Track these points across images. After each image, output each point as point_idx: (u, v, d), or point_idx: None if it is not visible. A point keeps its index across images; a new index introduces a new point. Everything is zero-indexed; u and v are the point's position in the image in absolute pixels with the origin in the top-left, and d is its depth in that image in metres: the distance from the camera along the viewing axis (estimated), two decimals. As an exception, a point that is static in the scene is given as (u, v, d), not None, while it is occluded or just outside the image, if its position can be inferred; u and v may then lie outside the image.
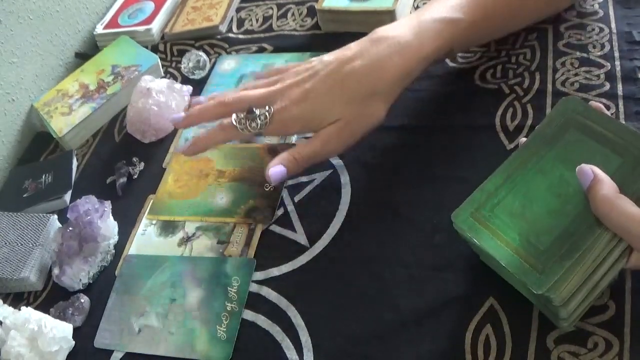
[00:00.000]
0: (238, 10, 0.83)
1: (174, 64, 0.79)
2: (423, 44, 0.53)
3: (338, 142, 0.53)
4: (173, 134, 0.69)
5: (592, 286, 0.39)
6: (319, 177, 0.58)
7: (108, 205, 0.60)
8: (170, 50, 0.80)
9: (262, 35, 0.77)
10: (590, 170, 0.40)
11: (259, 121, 0.53)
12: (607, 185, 0.39)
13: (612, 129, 0.42)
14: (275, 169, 0.51)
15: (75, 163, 0.70)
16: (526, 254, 0.40)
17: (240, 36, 0.78)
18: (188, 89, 0.72)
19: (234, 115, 0.54)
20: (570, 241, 0.39)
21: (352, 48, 0.54)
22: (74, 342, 0.53)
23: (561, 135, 0.44)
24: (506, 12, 0.57)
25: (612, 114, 0.52)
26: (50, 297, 0.58)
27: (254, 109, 0.53)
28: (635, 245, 0.38)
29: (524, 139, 0.46)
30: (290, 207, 0.57)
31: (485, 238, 0.42)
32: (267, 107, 0.53)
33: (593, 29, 0.60)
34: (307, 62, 0.56)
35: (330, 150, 0.54)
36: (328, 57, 0.55)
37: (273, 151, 0.62)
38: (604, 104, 0.53)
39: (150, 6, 0.86)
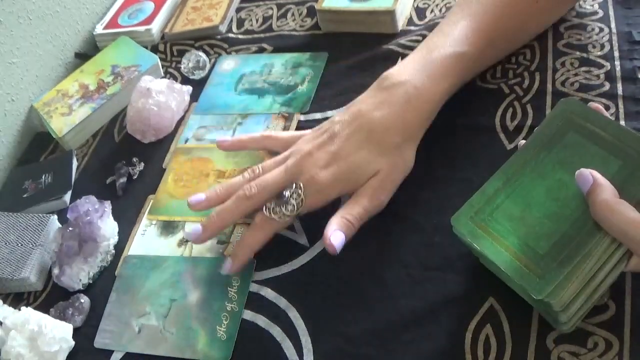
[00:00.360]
0: (238, 10, 0.83)
1: (174, 64, 0.79)
2: (438, 84, 0.52)
3: (384, 193, 0.50)
4: (173, 134, 0.69)
5: (591, 290, 0.39)
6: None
7: (108, 205, 0.60)
8: (170, 50, 0.80)
9: (262, 35, 0.77)
10: (589, 174, 0.39)
11: (293, 201, 0.49)
12: (606, 189, 0.38)
13: (612, 131, 0.42)
14: (337, 237, 0.47)
15: (75, 163, 0.70)
16: (526, 259, 0.40)
17: (240, 36, 0.78)
18: (188, 89, 0.72)
19: (264, 209, 0.50)
20: (569, 246, 0.39)
21: (365, 101, 0.53)
22: (74, 342, 0.53)
23: (560, 137, 0.44)
24: (510, 35, 0.58)
25: (612, 114, 0.52)
26: (50, 297, 0.58)
27: (283, 192, 0.49)
28: (635, 250, 0.38)
29: (523, 141, 0.46)
30: (290, 207, 0.57)
31: (485, 243, 0.42)
32: (294, 185, 0.49)
33: (593, 29, 0.60)
34: (316, 128, 0.54)
35: (379, 204, 0.50)
36: (340, 116, 0.53)
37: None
38: (604, 104, 0.53)
39: (150, 6, 0.86)
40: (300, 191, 0.49)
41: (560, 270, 0.38)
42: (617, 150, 0.41)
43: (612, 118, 0.50)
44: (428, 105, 0.52)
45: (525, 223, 0.42)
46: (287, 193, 0.49)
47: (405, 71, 0.53)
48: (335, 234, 0.47)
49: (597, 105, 0.44)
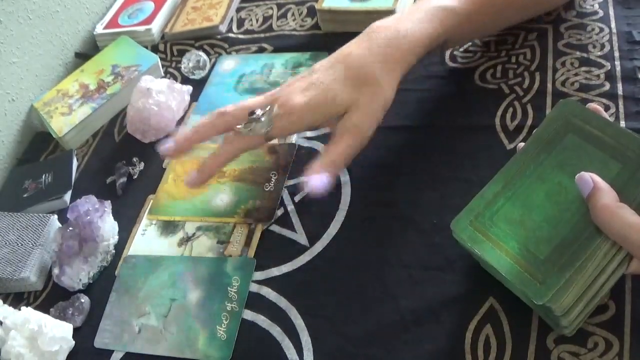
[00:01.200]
0: (238, 10, 0.83)
1: (174, 64, 0.79)
2: (421, 28, 0.53)
3: (365, 125, 0.50)
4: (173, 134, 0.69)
5: (592, 294, 0.39)
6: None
7: (108, 205, 0.60)
8: (170, 50, 0.80)
9: (262, 35, 0.77)
10: (589, 178, 0.39)
11: (263, 119, 0.50)
12: (607, 193, 0.38)
13: (611, 133, 0.42)
14: (316, 179, 0.47)
15: (75, 163, 0.70)
16: (526, 264, 0.40)
17: (240, 36, 0.78)
18: (188, 88, 0.72)
19: (237, 126, 0.51)
20: (570, 250, 0.39)
21: (349, 44, 0.54)
22: (74, 342, 0.53)
23: (559, 140, 0.43)
24: (498, 4, 0.57)
25: (612, 114, 0.52)
26: (50, 297, 0.58)
27: (256, 111, 0.51)
28: (636, 254, 0.38)
29: (522, 144, 0.46)
30: (290, 207, 0.57)
31: (485, 247, 0.42)
32: (268, 106, 0.51)
33: (593, 29, 0.60)
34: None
35: (361, 138, 0.50)
36: (322, 60, 0.54)
37: (273, 151, 0.62)
38: (604, 104, 0.53)
39: (150, 6, 0.86)
40: (273, 111, 0.50)
41: (561, 275, 0.38)
42: (617, 153, 0.41)
43: (612, 119, 0.50)
44: (409, 43, 0.52)
45: (525, 227, 0.41)
46: (259, 111, 0.50)
47: (390, 19, 0.54)
48: (317, 177, 0.47)
49: (595, 106, 0.44)
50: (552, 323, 0.41)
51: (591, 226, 0.39)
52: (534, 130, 0.46)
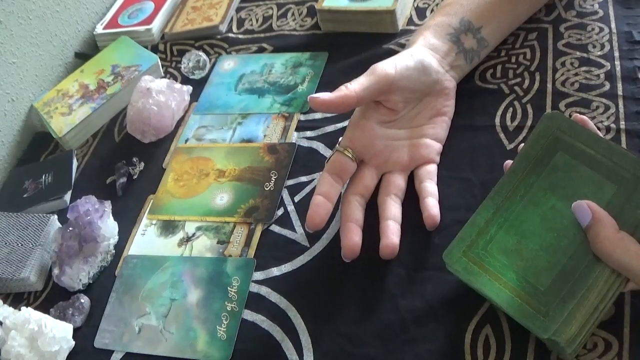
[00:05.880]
0: (238, 10, 0.83)
1: (174, 64, 0.79)
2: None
3: (388, 69, 0.52)
4: (173, 134, 0.69)
5: (594, 319, 0.38)
6: (319, 176, 0.58)
7: (108, 205, 0.60)
8: (170, 50, 0.80)
9: (262, 35, 0.77)
10: (587, 208, 0.39)
11: None
12: (607, 225, 0.38)
13: (603, 150, 0.40)
14: (317, 96, 0.50)
15: (75, 163, 0.70)
16: (526, 296, 0.39)
17: (240, 36, 0.78)
18: (188, 88, 0.72)
19: None
20: (571, 281, 0.38)
21: None
22: (74, 342, 0.53)
23: (549, 159, 0.42)
24: None
25: (612, 114, 0.52)
26: (50, 297, 0.58)
27: None
28: (638, 282, 0.38)
29: (510, 161, 0.44)
30: (290, 207, 0.57)
31: (482, 280, 0.41)
32: None
33: (593, 29, 0.60)
34: None
35: (381, 78, 0.51)
36: None
37: (273, 150, 0.62)
38: (604, 104, 0.53)
39: (150, 6, 0.86)
40: None
41: (563, 306, 0.38)
42: (611, 173, 0.40)
43: (601, 134, 0.47)
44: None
45: (522, 256, 0.40)
46: None
47: None
48: (319, 95, 0.51)
49: (582, 117, 0.43)
50: (554, 349, 0.40)
51: (590, 254, 0.38)
52: (520, 149, 0.44)
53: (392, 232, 0.49)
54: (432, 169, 0.53)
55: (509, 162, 0.45)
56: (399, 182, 0.52)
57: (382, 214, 0.51)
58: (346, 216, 0.51)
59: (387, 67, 0.52)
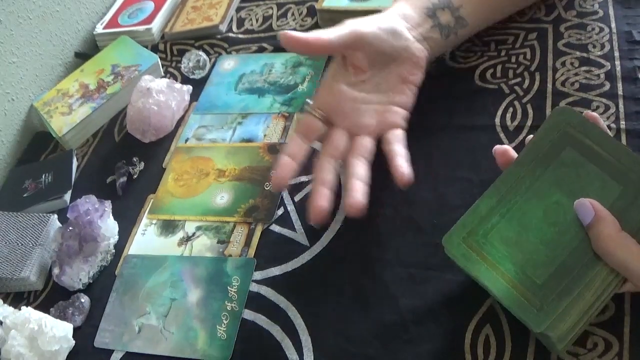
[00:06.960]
0: (238, 10, 0.83)
1: (174, 64, 0.79)
2: None
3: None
4: (173, 133, 0.69)
5: (588, 317, 0.38)
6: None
7: (108, 205, 0.60)
8: (170, 50, 0.80)
9: (262, 35, 0.77)
10: (590, 206, 0.39)
11: None
12: (609, 224, 0.38)
13: (611, 150, 0.40)
14: (289, 32, 0.51)
15: (75, 163, 0.70)
16: (523, 288, 0.39)
17: (240, 36, 0.78)
18: (188, 88, 0.72)
19: None
20: (568, 277, 0.38)
21: None
22: (74, 342, 0.53)
23: (557, 153, 0.42)
24: None
25: (612, 114, 0.52)
26: (50, 296, 0.58)
27: None
28: (636, 283, 0.38)
29: (499, 146, 0.44)
30: (290, 207, 0.57)
31: (480, 268, 0.41)
32: None
33: (593, 29, 0.60)
34: None
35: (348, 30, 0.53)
36: None
37: (273, 150, 0.62)
38: (604, 104, 0.53)
39: (150, 6, 0.86)
40: None
41: (559, 302, 0.38)
42: (618, 174, 0.39)
43: (609, 131, 0.47)
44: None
45: (522, 248, 0.40)
46: None
47: None
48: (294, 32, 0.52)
49: (592, 114, 0.43)
50: (546, 344, 0.40)
51: (590, 252, 0.38)
52: (528, 140, 0.44)
53: (356, 190, 0.49)
54: (400, 133, 0.54)
55: (498, 147, 0.45)
56: (366, 143, 0.53)
57: (347, 172, 0.52)
58: (317, 179, 0.52)
59: (359, 22, 0.54)
